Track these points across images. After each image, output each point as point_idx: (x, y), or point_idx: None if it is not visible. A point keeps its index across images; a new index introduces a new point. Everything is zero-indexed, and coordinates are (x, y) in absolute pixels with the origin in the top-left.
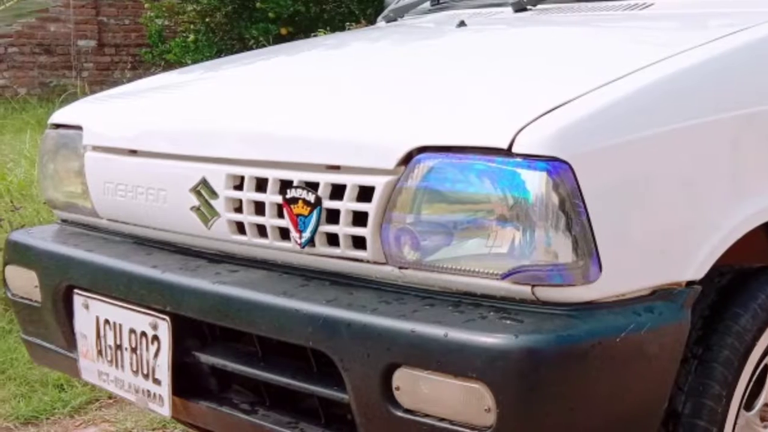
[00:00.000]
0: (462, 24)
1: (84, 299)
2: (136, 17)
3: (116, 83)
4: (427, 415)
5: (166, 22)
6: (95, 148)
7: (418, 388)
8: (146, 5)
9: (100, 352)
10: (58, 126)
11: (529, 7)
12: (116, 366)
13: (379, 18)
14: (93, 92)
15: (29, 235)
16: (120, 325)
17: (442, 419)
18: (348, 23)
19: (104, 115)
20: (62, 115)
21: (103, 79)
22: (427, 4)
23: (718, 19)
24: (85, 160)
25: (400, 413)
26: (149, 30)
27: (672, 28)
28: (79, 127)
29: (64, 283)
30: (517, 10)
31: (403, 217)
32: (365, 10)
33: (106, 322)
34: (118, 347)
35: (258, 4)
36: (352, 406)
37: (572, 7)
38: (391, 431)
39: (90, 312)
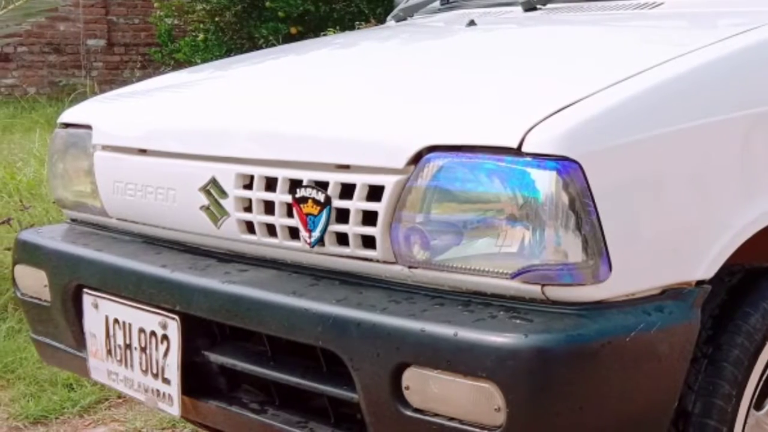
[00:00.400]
0: (472, 23)
1: (93, 299)
2: (146, 16)
3: (126, 82)
4: (436, 415)
5: (176, 22)
6: (105, 148)
7: (427, 388)
8: (156, 4)
9: (109, 352)
10: (67, 125)
11: (538, 6)
12: (125, 365)
13: (389, 17)
14: (102, 91)
15: (38, 234)
16: (129, 325)
17: (451, 419)
18: (357, 22)
19: (114, 114)
20: (71, 114)
21: (113, 78)
22: (436, 4)
23: (728, 19)
24: (94, 160)
25: (409, 413)
26: (159, 29)
27: (681, 27)
28: (88, 127)
29: (73, 282)
30: (526, 10)
31: (412, 217)
32: (375, 9)
33: (116, 321)
34: (128, 346)
35: (267, 4)
36: (362, 406)
37: (582, 6)
38: (400, 431)
39: (99, 311)
